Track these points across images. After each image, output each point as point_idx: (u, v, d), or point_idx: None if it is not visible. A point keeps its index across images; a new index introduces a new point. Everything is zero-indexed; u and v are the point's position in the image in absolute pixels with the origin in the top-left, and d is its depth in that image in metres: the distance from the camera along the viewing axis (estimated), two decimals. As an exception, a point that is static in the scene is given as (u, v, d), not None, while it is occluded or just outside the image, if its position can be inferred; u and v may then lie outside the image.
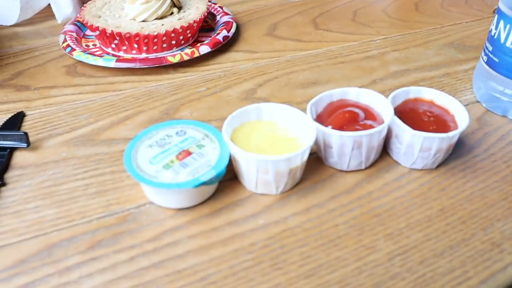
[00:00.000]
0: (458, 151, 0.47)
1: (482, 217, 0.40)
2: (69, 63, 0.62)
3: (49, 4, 0.71)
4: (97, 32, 0.60)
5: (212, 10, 0.72)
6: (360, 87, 0.56)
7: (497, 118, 0.52)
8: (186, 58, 0.59)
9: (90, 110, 0.53)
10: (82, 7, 0.65)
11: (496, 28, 0.50)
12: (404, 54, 0.64)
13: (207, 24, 0.70)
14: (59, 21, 0.70)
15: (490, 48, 0.51)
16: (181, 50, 0.62)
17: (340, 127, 0.42)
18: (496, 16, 0.50)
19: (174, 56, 0.58)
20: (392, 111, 0.43)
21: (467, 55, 0.64)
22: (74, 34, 0.65)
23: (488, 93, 0.53)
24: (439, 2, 0.82)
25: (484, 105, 0.54)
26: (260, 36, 0.69)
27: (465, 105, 0.54)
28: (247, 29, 0.71)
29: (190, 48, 0.61)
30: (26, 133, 0.47)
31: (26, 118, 0.52)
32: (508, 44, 0.49)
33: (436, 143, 0.42)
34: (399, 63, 0.62)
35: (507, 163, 0.46)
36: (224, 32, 0.64)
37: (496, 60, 0.51)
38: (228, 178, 0.43)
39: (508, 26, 0.48)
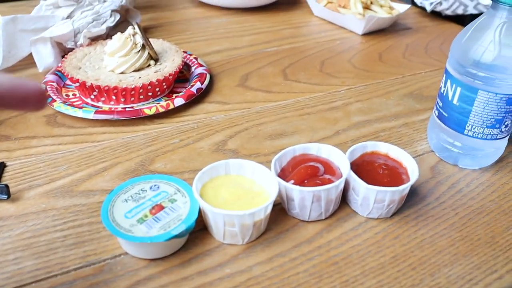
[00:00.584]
0: (412, 199, 0.51)
1: (430, 263, 0.44)
2: (49, 113, 0.65)
3: (31, 53, 0.74)
4: (77, 84, 0.64)
5: (188, 61, 0.76)
6: (324, 138, 0.61)
7: (449, 167, 0.57)
8: (161, 110, 0.63)
9: (69, 161, 0.56)
10: (63, 58, 0.68)
11: (444, 86, 0.55)
12: (366, 104, 0.69)
13: (182, 75, 0.74)
14: (40, 70, 0.73)
15: (440, 104, 0.56)
16: (157, 101, 0.66)
17: (302, 181, 0.46)
18: (444, 75, 0.55)
19: (150, 109, 0.62)
20: (349, 166, 0.47)
21: (424, 105, 0.69)
22: (55, 84, 0.68)
23: (440, 144, 0.58)
24: (402, 52, 0.87)
25: (437, 154, 0.59)
26: (232, 86, 0.73)
27: (420, 155, 0.59)
28: (220, 80, 0.75)
29: (166, 100, 0.65)
30: (7, 186, 0.49)
31: (6, 169, 0.55)
32: (455, 101, 0.54)
33: (388, 195, 0.46)
34: (362, 113, 0.67)
35: (455, 211, 0.50)
36: (198, 84, 0.68)
37: (446, 115, 0.55)
38: (198, 230, 0.46)
39: (454, 85, 0.53)
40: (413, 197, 0.52)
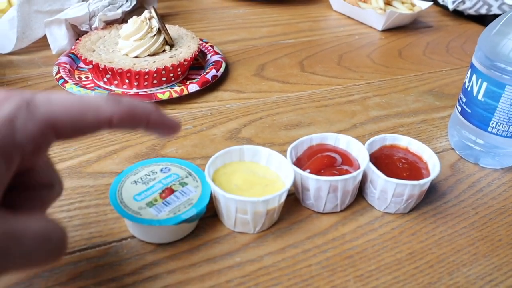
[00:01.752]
0: (430, 196, 0.50)
1: (449, 262, 0.42)
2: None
3: (45, 35, 0.73)
4: (90, 66, 0.63)
5: (203, 49, 0.75)
6: (341, 130, 0.59)
7: (469, 166, 0.55)
8: (175, 95, 0.61)
9: (79, 142, 0.54)
10: (77, 40, 0.67)
11: (469, 81, 0.53)
12: (385, 99, 0.67)
13: (197, 62, 0.73)
14: (54, 52, 0.73)
15: (464, 100, 0.54)
16: (171, 87, 0.65)
17: (318, 171, 0.44)
18: (470, 70, 0.53)
19: (163, 93, 0.61)
20: (367, 157, 0.45)
21: (444, 102, 0.67)
22: (67, 66, 0.67)
23: (461, 141, 0.56)
24: (422, 49, 0.85)
25: (457, 152, 0.57)
26: (248, 76, 0.71)
27: (440, 152, 0.57)
28: (236, 69, 0.73)
29: (180, 86, 0.63)
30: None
31: (16, 148, 0.53)
32: (479, 97, 0.52)
33: (408, 189, 0.44)
34: (380, 108, 0.65)
35: (475, 210, 0.49)
36: (213, 72, 0.66)
37: (469, 111, 0.53)
38: (209, 216, 0.45)
39: (480, 80, 0.51)
40: (431, 194, 0.50)
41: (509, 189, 0.52)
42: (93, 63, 0.62)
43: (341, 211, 0.47)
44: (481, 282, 0.41)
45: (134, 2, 0.79)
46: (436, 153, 0.55)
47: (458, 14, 1.04)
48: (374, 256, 0.42)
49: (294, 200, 0.47)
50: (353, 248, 0.43)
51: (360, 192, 0.49)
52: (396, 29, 0.94)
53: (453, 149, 0.58)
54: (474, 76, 0.52)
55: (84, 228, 0.44)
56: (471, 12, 0.99)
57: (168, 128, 0.32)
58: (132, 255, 0.41)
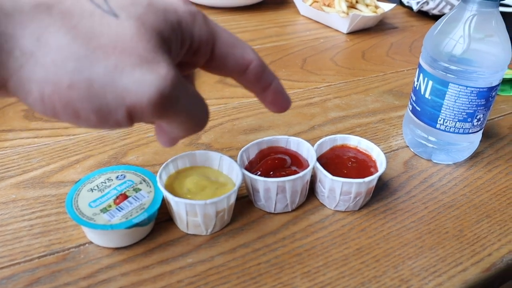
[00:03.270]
0: (382, 193, 0.52)
1: (395, 256, 0.44)
2: (27, 108, 0.65)
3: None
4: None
5: (168, 58, 0.76)
6: (299, 133, 0.61)
7: (422, 162, 0.57)
8: (137, 104, 0.63)
9: (43, 153, 0.56)
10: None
11: (417, 81, 0.55)
12: (344, 101, 0.69)
13: (162, 71, 0.75)
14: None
15: (414, 98, 0.56)
16: (135, 96, 0.66)
17: (267, 173, 0.46)
18: (418, 69, 0.55)
19: (126, 103, 0.62)
20: (315, 158, 0.47)
21: (403, 101, 0.69)
22: (35, 80, 0.69)
23: (414, 139, 0.58)
24: (386, 50, 0.87)
25: (412, 149, 0.59)
26: (211, 83, 0.73)
27: (395, 150, 0.59)
28: (201, 76, 0.75)
29: (143, 95, 0.65)
30: (-22, 177, 0.50)
31: (-19, 161, 0.55)
32: (427, 95, 0.54)
33: (354, 187, 0.46)
34: (339, 109, 0.67)
35: (425, 204, 0.50)
36: (176, 80, 0.68)
37: (419, 109, 0.55)
38: (164, 220, 0.46)
39: (426, 79, 0.53)
40: (383, 191, 0.52)
41: (460, 183, 0.54)
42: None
43: (292, 210, 0.48)
44: (425, 273, 0.43)
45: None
46: (391, 151, 0.58)
47: (423, 15, 1.06)
48: (322, 253, 0.44)
49: (248, 202, 0.49)
50: (302, 246, 0.45)
51: (313, 192, 0.50)
52: (361, 31, 0.96)
53: (407, 146, 0.60)
54: (421, 76, 0.54)
55: (44, 236, 0.45)
56: (435, 12, 1.01)
57: (282, 100, 0.36)
58: (88, 259, 0.43)
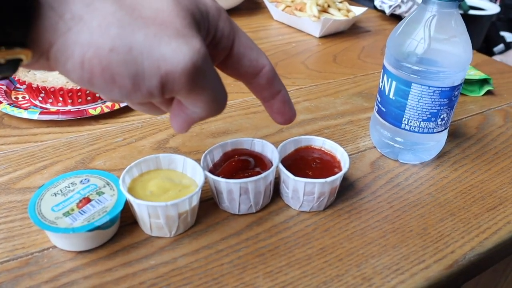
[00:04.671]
0: (347, 193, 0.52)
1: (358, 255, 0.45)
2: (-3, 115, 0.65)
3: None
4: (24, 86, 0.64)
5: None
6: (267, 135, 0.61)
7: (389, 162, 0.58)
8: (106, 110, 0.63)
9: (10, 160, 0.56)
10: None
11: (382, 82, 0.56)
12: (314, 103, 0.70)
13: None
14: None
15: (379, 99, 0.57)
16: (104, 102, 0.66)
17: (231, 175, 0.46)
18: (382, 71, 0.56)
19: (95, 109, 0.62)
20: (277, 159, 0.48)
21: (373, 103, 0.70)
22: (4, 87, 0.69)
23: (381, 140, 0.58)
24: (357, 53, 0.88)
25: (379, 150, 0.59)
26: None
27: (362, 151, 0.59)
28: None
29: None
30: None
31: None
32: (391, 96, 0.54)
33: (317, 187, 0.46)
34: (308, 112, 0.67)
35: (390, 204, 0.51)
36: (146, 85, 0.68)
37: (384, 110, 0.56)
38: (129, 223, 0.46)
39: (390, 80, 0.54)
40: (349, 191, 0.52)
41: (425, 183, 0.55)
42: (26, 83, 0.63)
43: (257, 212, 0.49)
44: (388, 271, 0.43)
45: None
46: (358, 152, 0.58)
47: (396, 18, 1.08)
48: (286, 253, 0.44)
49: (213, 204, 0.49)
50: (266, 246, 0.45)
51: (278, 193, 0.51)
52: (333, 35, 0.97)
53: (375, 147, 0.60)
54: (385, 77, 0.55)
55: (8, 241, 0.45)
56: (407, 15, 1.02)
57: (288, 110, 0.38)
58: (51, 263, 0.42)
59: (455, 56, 0.51)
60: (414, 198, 0.52)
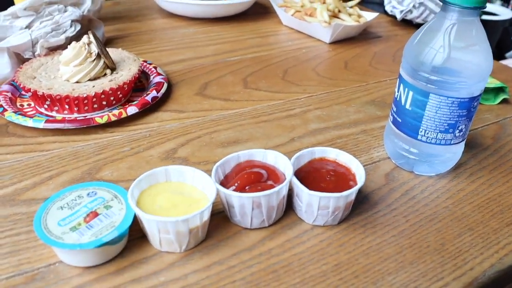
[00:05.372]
0: (362, 206, 0.50)
1: (375, 271, 0.43)
2: (1, 123, 0.63)
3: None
4: (30, 93, 0.63)
5: (146, 70, 0.75)
6: (279, 145, 0.60)
7: (404, 174, 0.56)
8: (113, 119, 0.61)
9: (15, 170, 0.54)
10: (19, 68, 0.67)
11: (398, 91, 0.54)
12: (326, 112, 0.68)
13: (141, 84, 0.74)
14: (-3, 81, 0.73)
15: (395, 109, 0.55)
16: (111, 110, 0.65)
17: (243, 188, 0.45)
18: (398, 80, 0.55)
19: (101, 117, 0.61)
20: (292, 172, 0.46)
21: (386, 112, 0.69)
22: (9, 94, 0.67)
23: (396, 151, 0.57)
24: (369, 60, 0.87)
25: (393, 161, 0.58)
26: (190, 95, 0.72)
27: (376, 161, 0.58)
28: (179, 89, 0.74)
29: (119, 109, 0.64)
30: None
31: (-49, 179, 0.53)
32: (407, 106, 0.53)
33: (332, 201, 0.45)
34: (320, 121, 0.66)
35: (406, 218, 0.49)
36: (154, 93, 0.67)
37: (400, 120, 0.54)
38: (138, 237, 0.45)
39: (406, 89, 0.52)
40: (363, 204, 0.51)
41: (442, 195, 0.53)
42: (32, 91, 0.62)
43: (269, 226, 0.47)
44: (406, 289, 0.41)
45: (78, 27, 0.79)
46: (372, 163, 0.57)
47: (407, 23, 1.06)
48: (300, 269, 0.43)
49: (224, 218, 0.48)
50: (279, 262, 0.43)
51: (291, 206, 0.49)
52: (344, 40, 0.95)
53: (389, 158, 0.59)
54: (401, 86, 0.54)
55: (13, 256, 0.43)
56: (419, 20, 1.01)
57: None
58: (58, 279, 0.41)
59: (476, 65, 0.49)
60: (431, 211, 0.51)
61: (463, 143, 0.55)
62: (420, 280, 0.42)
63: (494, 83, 0.75)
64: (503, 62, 1.23)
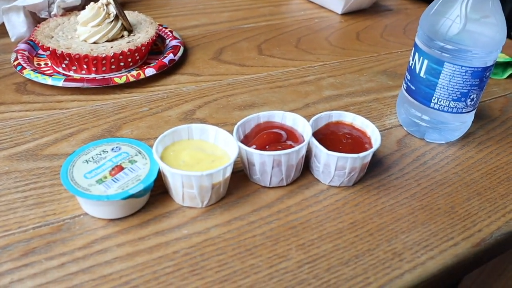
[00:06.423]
0: (375, 170, 0.52)
1: (388, 230, 0.45)
2: (19, 81, 0.64)
3: (3, 22, 0.74)
4: (48, 52, 0.63)
5: (162, 34, 0.76)
6: (294, 110, 0.61)
7: (415, 141, 0.57)
8: (132, 79, 0.62)
9: (36, 127, 0.56)
10: (36, 27, 0.68)
11: (413, 60, 0.55)
12: (339, 80, 0.69)
13: (156, 48, 0.74)
14: (12, 39, 0.73)
15: (409, 77, 0.57)
16: (129, 71, 0.66)
17: (263, 147, 0.46)
18: (413, 49, 0.56)
19: (120, 78, 0.62)
20: (310, 133, 0.47)
21: (397, 82, 0.70)
22: (26, 52, 0.68)
23: (408, 118, 0.58)
24: (380, 32, 0.87)
25: (405, 128, 0.59)
26: (206, 60, 0.73)
27: (388, 128, 0.59)
28: (195, 53, 0.75)
29: (137, 70, 0.65)
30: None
31: (-27, 133, 0.54)
32: (422, 74, 0.54)
33: (349, 162, 0.46)
34: (333, 88, 0.67)
35: (418, 181, 0.51)
36: (171, 56, 0.68)
37: (413, 88, 0.56)
38: (160, 192, 0.46)
39: (421, 58, 0.54)
40: (377, 167, 0.52)
41: (452, 162, 0.55)
42: (51, 49, 0.62)
43: (287, 185, 0.49)
44: (417, 247, 0.43)
45: (94, -11, 0.80)
46: (384, 130, 0.58)
47: (417, -2, 1.07)
48: (317, 226, 0.44)
49: (243, 176, 0.49)
50: (297, 219, 0.45)
51: (308, 167, 0.51)
52: (356, 12, 0.96)
53: (401, 125, 0.60)
54: (416, 55, 0.55)
55: (38, 207, 0.45)
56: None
57: None
58: (83, 230, 0.43)
59: (489, 37, 0.50)
60: (441, 176, 0.52)
61: (473, 113, 0.57)
62: (431, 239, 0.44)
63: (503, 57, 0.76)
64: None
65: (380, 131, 0.58)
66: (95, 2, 0.66)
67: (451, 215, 0.47)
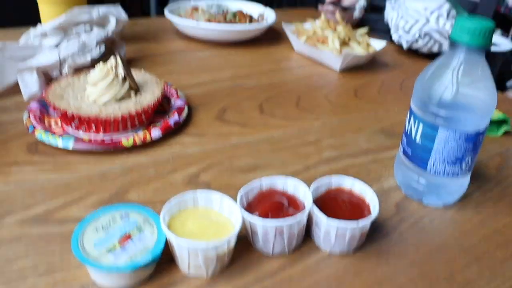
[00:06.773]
0: (375, 235, 0.53)
1: (388, 299, 0.46)
2: (31, 141, 0.66)
3: (17, 81, 0.76)
4: (59, 113, 0.66)
5: (167, 94, 0.78)
6: (294, 172, 0.63)
7: (413, 204, 0.59)
8: (138, 142, 0.65)
9: (46, 189, 0.57)
10: (47, 86, 0.70)
11: (408, 123, 0.58)
12: (338, 140, 0.71)
13: (162, 107, 0.77)
14: (25, 98, 0.75)
15: (405, 141, 0.59)
16: (135, 131, 0.68)
17: (266, 215, 0.48)
18: (409, 112, 0.58)
19: (127, 139, 0.64)
20: (311, 200, 0.49)
21: (394, 141, 0.72)
22: (37, 112, 0.70)
23: (405, 181, 0.60)
24: (377, 88, 0.90)
25: (403, 191, 0.61)
26: (209, 120, 0.75)
27: (386, 191, 0.61)
28: (199, 113, 0.77)
29: (144, 130, 0.67)
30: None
31: (-16, 196, 0.56)
32: (417, 139, 0.56)
33: (349, 230, 0.48)
34: (333, 149, 0.69)
35: (417, 247, 0.52)
36: (176, 117, 0.70)
37: (409, 152, 0.58)
38: (166, 260, 0.48)
39: (416, 122, 0.56)
40: (376, 233, 0.54)
41: (450, 226, 0.56)
42: (62, 110, 0.65)
43: (289, 253, 0.50)
44: (417, 316, 0.44)
45: (103, 48, 0.83)
46: (382, 192, 0.60)
47: (413, 52, 1.10)
48: (319, 296, 0.46)
49: (246, 243, 0.51)
50: (300, 288, 0.46)
51: (309, 234, 0.52)
52: (353, 68, 0.99)
53: (399, 187, 0.62)
54: (412, 119, 0.57)
55: (49, 275, 0.46)
56: (424, 50, 1.04)
57: None
58: (92, 299, 0.44)
59: (482, 101, 0.53)
60: (440, 242, 0.54)
61: (469, 175, 0.59)
62: (430, 308, 0.45)
63: (497, 115, 0.78)
64: (507, 93, 1.27)
65: (378, 193, 0.60)
66: (104, 63, 0.69)
67: (450, 283, 0.48)
